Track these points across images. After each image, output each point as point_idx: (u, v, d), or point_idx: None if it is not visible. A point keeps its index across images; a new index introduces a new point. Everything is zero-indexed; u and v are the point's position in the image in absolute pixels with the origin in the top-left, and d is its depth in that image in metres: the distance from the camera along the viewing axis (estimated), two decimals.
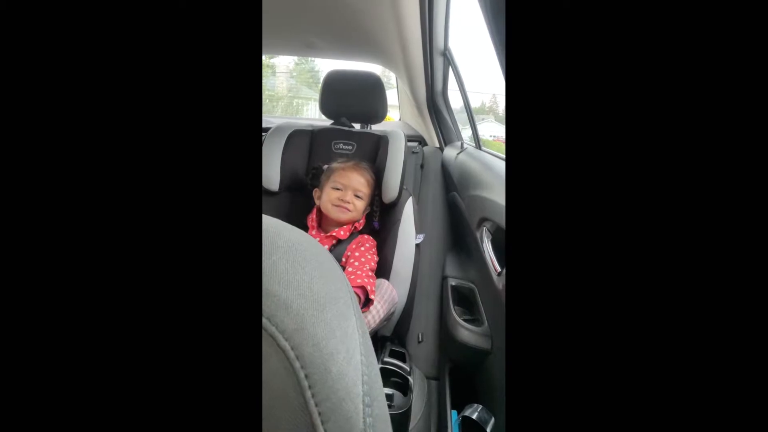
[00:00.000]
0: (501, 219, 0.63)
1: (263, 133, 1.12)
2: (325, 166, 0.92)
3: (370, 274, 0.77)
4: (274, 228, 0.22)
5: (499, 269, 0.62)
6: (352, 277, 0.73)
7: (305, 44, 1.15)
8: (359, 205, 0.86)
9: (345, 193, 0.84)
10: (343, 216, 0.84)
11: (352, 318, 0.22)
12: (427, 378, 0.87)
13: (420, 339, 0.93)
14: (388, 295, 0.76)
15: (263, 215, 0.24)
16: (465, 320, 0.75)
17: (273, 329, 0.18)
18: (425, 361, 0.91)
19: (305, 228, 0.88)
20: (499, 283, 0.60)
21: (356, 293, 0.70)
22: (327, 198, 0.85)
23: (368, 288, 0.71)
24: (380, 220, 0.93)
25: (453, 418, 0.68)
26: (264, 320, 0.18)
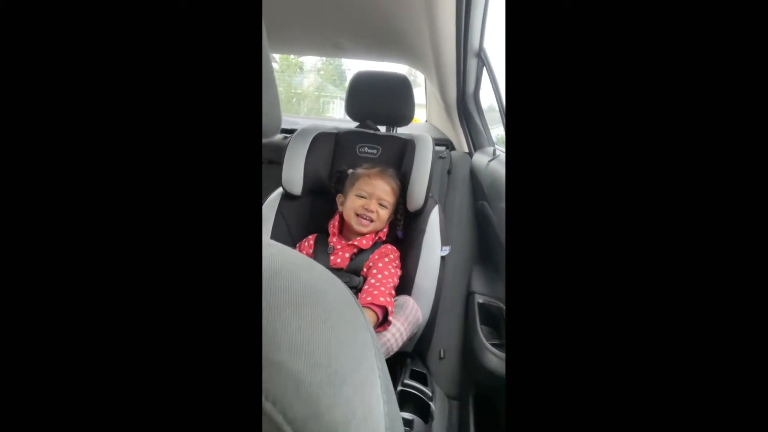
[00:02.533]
0: None
1: (288, 135, 1.10)
2: (350, 171, 0.89)
3: (392, 292, 0.72)
4: (288, 270, 0.18)
5: None
6: (375, 292, 0.69)
7: (333, 45, 1.13)
8: (383, 215, 0.82)
9: (369, 201, 0.81)
10: (365, 229, 0.81)
11: (376, 385, 0.18)
12: (449, 398, 0.82)
13: (442, 355, 0.88)
14: (413, 316, 0.71)
15: (277, 245, 0.21)
16: (493, 344, 0.70)
17: (279, 418, 0.14)
18: (447, 379, 0.86)
19: (326, 234, 0.85)
20: None
21: (375, 311, 0.66)
22: (351, 205, 0.82)
23: (389, 309, 0.66)
24: (404, 229, 0.89)
25: None
26: (267, 404, 0.14)
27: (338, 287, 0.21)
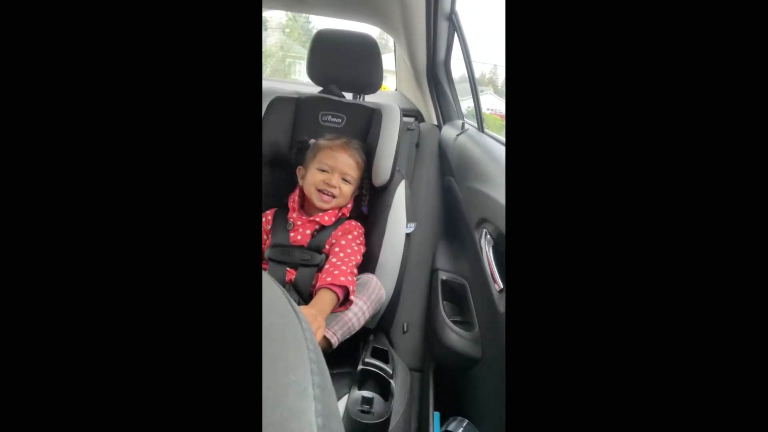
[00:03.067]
0: (504, 223, 0.56)
1: None
2: (312, 141, 0.83)
3: (354, 271, 0.70)
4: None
5: (501, 285, 0.56)
6: (336, 272, 0.66)
7: None
8: (346, 190, 0.77)
9: (331, 176, 0.76)
10: (326, 205, 0.76)
11: (309, 410, 0.16)
12: (411, 370, 0.84)
13: (405, 329, 0.89)
14: (376, 294, 0.70)
15: None
16: (454, 322, 0.70)
17: None
18: (410, 352, 0.87)
19: (286, 209, 0.80)
20: (500, 299, 0.54)
21: (335, 292, 0.63)
22: (311, 180, 0.76)
23: (350, 288, 0.64)
24: (369, 204, 0.86)
25: (436, 422, 0.65)
26: None
27: (269, 294, 0.18)
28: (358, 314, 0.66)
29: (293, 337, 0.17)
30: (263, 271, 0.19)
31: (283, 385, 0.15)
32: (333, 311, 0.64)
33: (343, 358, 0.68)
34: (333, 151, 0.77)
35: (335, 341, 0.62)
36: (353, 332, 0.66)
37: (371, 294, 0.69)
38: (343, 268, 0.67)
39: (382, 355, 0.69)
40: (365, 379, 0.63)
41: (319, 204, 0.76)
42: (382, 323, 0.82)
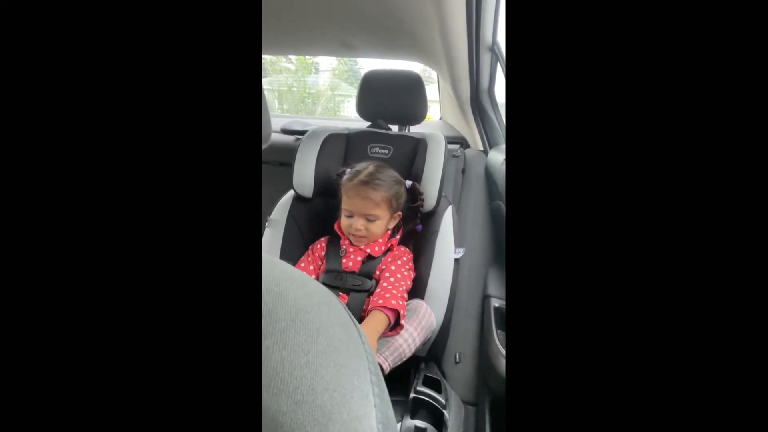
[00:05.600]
0: None
1: (300, 137, 1.09)
2: (347, 172, 0.83)
3: (405, 296, 0.71)
4: (274, 293, 0.17)
5: None
6: (387, 295, 0.67)
7: (342, 44, 1.11)
8: (374, 229, 0.76)
9: (356, 220, 0.76)
10: (361, 243, 0.78)
11: (370, 416, 0.16)
12: (465, 403, 0.80)
13: (458, 360, 0.86)
14: (426, 321, 0.69)
15: (267, 261, 0.20)
16: None
17: None
18: (463, 384, 0.83)
19: (338, 237, 0.84)
20: None
21: (386, 315, 0.64)
22: (342, 223, 0.79)
23: (401, 312, 0.65)
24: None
25: None
26: None
27: (331, 306, 0.19)
28: (408, 340, 0.66)
29: (355, 349, 0.18)
30: (327, 288, 0.20)
31: (348, 389, 0.16)
32: (384, 335, 0.65)
33: (394, 385, 0.67)
34: (350, 195, 0.77)
35: (386, 367, 0.62)
36: (404, 359, 0.66)
37: (421, 320, 0.69)
38: (394, 292, 0.69)
39: (434, 385, 0.67)
40: (417, 409, 0.62)
41: (355, 242, 0.78)
42: (433, 352, 0.80)
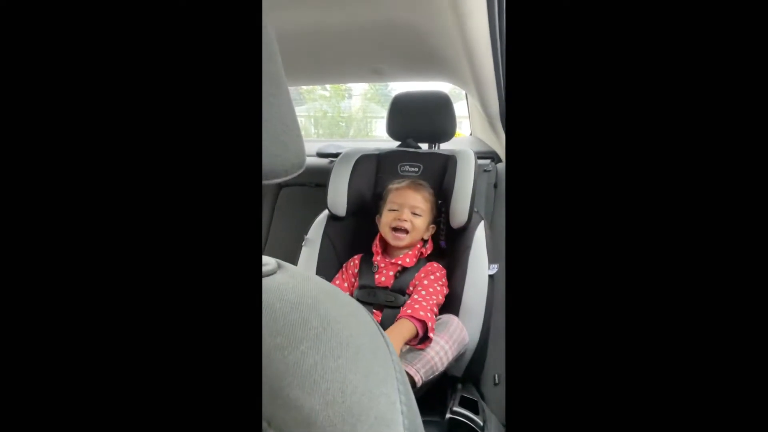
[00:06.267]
0: None
1: (334, 159, 1.15)
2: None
3: (435, 310, 0.70)
4: (307, 303, 0.19)
5: None
6: (416, 306, 0.68)
7: (372, 71, 1.17)
8: (418, 224, 0.80)
9: (401, 212, 0.80)
10: (401, 243, 0.80)
11: (397, 422, 0.17)
12: (505, 426, 0.76)
13: (496, 381, 0.82)
14: (458, 335, 0.68)
15: (300, 274, 0.21)
16: None
17: None
18: (503, 406, 0.80)
19: (371, 254, 0.86)
20: None
21: (414, 324, 0.64)
22: (385, 220, 0.82)
23: (429, 325, 0.65)
24: (448, 246, 0.87)
25: None
26: None
27: (360, 318, 0.20)
28: (440, 353, 0.65)
29: (383, 358, 0.19)
30: (356, 300, 0.21)
31: (375, 394, 0.16)
32: (413, 346, 0.65)
33: (430, 405, 0.66)
34: (400, 190, 0.83)
35: (418, 379, 0.61)
36: (436, 373, 0.65)
37: (452, 333, 0.68)
38: (424, 304, 0.69)
39: (472, 406, 0.65)
40: (453, 430, 0.60)
41: (394, 243, 0.80)
42: (470, 372, 0.78)
